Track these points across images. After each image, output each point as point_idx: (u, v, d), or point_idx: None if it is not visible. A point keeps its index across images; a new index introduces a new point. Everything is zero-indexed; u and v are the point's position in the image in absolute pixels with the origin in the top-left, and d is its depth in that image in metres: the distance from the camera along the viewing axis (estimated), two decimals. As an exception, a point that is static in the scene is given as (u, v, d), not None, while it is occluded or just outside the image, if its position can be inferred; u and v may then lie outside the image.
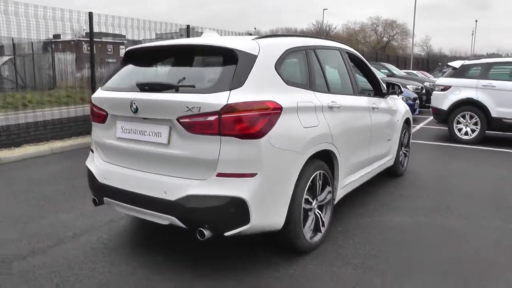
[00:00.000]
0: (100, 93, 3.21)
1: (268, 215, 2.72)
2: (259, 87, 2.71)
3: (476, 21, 76.92)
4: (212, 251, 3.17)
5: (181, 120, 2.64)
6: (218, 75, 2.74)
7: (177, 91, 2.71)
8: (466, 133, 7.77)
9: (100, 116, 3.15)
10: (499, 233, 3.58)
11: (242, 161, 2.57)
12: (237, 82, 2.62)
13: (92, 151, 3.34)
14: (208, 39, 3.07)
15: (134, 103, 2.80)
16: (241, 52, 2.74)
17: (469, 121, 7.73)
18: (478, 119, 7.58)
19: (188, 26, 10.22)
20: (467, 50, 64.44)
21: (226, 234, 2.64)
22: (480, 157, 6.72)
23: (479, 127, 7.60)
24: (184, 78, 2.87)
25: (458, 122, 7.81)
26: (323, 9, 63.36)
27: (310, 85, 3.26)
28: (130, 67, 3.29)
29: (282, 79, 2.93)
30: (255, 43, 2.88)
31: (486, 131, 7.65)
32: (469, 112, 7.66)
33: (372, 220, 3.83)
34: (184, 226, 2.69)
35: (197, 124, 2.60)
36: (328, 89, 3.49)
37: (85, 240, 3.38)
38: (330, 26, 60.37)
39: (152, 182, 2.79)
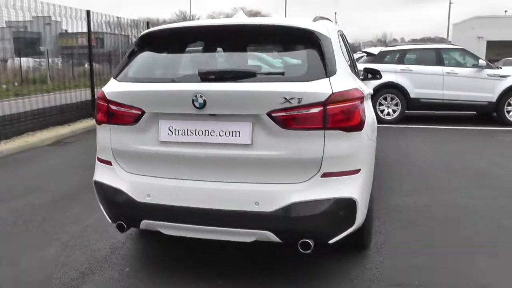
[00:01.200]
0: (122, 86, 2.43)
1: (364, 213, 2.46)
2: (344, 73, 2.40)
3: (336, 13, 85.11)
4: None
5: (274, 114, 2.16)
6: (303, 61, 2.35)
7: (267, 80, 2.20)
8: (388, 114, 8.57)
9: (127, 116, 2.40)
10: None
11: (348, 157, 2.25)
12: (330, 68, 2.26)
13: (106, 162, 2.53)
14: (271, 19, 2.56)
15: (200, 96, 2.18)
16: (321, 34, 2.38)
17: (390, 102, 8.52)
18: (398, 100, 8.42)
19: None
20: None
21: (331, 241, 2.31)
22: (407, 134, 7.49)
23: (399, 107, 8.47)
24: (258, 65, 2.36)
25: (380, 104, 8.54)
26: (190, -2, 62.65)
27: (354, 70, 3.06)
28: (157, 53, 2.59)
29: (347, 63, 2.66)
30: (321, 25, 2.53)
31: (406, 111, 8.55)
32: (390, 94, 8.45)
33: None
34: (278, 241, 2.24)
35: (297, 118, 2.16)
36: (357, 75, 3.33)
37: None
38: (194, 16, 59.98)
39: (234, 193, 2.24)
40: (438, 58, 8.63)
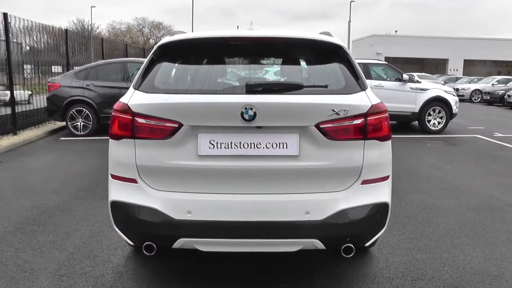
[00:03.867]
0: (154, 98, 2.36)
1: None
2: (369, 87, 2.64)
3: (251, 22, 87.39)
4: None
5: (322, 126, 2.31)
6: (338, 74, 2.51)
7: (312, 92, 2.33)
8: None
9: (160, 129, 2.33)
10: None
11: (381, 165, 2.49)
12: (362, 81, 2.50)
13: (128, 180, 2.42)
14: (293, 32, 2.68)
15: (251, 109, 2.23)
16: (346, 49, 2.59)
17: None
18: None
19: None
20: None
21: (367, 244, 2.52)
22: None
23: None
24: (295, 78, 2.46)
25: None
26: (91, 7, 58.62)
27: None
28: (184, 63, 2.58)
29: None
30: (340, 40, 2.75)
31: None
32: None
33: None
34: (323, 248, 2.38)
35: (343, 129, 2.34)
36: None
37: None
38: (93, 25, 56.83)
39: (284, 204, 2.32)
40: (365, 72, 9.56)
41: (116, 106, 2.47)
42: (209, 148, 2.32)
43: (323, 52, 2.64)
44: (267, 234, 2.33)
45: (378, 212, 2.45)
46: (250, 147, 2.31)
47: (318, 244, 2.35)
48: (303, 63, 2.75)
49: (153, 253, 2.40)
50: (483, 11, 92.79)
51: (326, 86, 2.43)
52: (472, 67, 44.38)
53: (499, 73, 35.94)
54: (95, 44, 16.06)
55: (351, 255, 2.41)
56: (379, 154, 2.45)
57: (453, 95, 9.85)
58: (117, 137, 2.44)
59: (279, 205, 2.33)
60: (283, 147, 2.32)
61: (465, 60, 44.41)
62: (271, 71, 2.71)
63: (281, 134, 2.32)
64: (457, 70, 43.34)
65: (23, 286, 2.71)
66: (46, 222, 3.83)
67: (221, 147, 2.31)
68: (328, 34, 2.81)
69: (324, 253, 2.69)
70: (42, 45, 10.77)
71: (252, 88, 2.30)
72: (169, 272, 2.92)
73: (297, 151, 2.33)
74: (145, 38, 62.16)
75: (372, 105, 2.38)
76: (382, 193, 2.47)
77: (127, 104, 2.38)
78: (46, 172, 5.75)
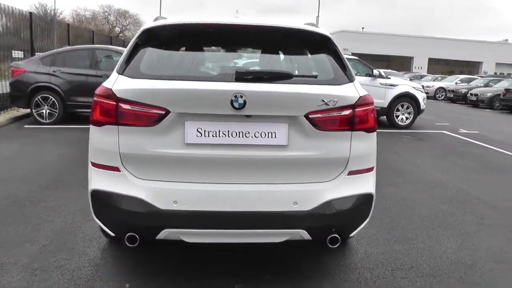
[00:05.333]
0: (140, 83, 2.27)
1: None
2: (356, 80, 2.65)
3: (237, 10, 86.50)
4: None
5: (311, 116, 2.30)
6: (327, 65, 2.51)
7: (302, 82, 2.31)
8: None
9: (146, 116, 2.25)
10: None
11: (367, 156, 2.52)
12: (350, 73, 2.51)
13: (110, 168, 2.32)
14: (282, 21, 2.63)
15: (241, 97, 2.19)
16: (332, 40, 2.59)
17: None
18: None
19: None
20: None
21: (352, 234, 2.55)
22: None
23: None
24: (284, 67, 2.43)
25: None
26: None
27: None
28: (170, 49, 2.52)
29: None
30: (324, 29, 2.74)
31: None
32: None
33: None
34: (309, 238, 2.38)
35: (331, 120, 2.34)
36: None
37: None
38: (56, 10, 54.48)
39: (272, 194, 2.31)
40: None
41: (98, 91, 2.36)
42: (196, 136, 2.26)
43: (312, 43, 2.62)
44: (255, 225, 2.31)
45: (363, 203, 2.48)
46: (239, 136, 2.28)
47: (304, 234, 2.35)
48: (291, 52, 2.72)
49: (135, 245, 2.33)
50: (448, 11, 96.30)
51: (315, 77, 2.42)
52: (436, 66, 46.01)
53: (461, 72, 37.43)
54: (59, 30, 15.42)
55: (337, 245, 2.43)
56: (365, 145, 2.47)
57: (421, 92, 10.15)
58: (99, 123, 2.34)
59: (267, 195, 2.30)
60: (271, 137, 2.30)
61: (429, 59, 45.99)
62: (259, 60, 2.67)
63: (270, 123, 2.29)
64: (421, 68, 44.80)
65: (-7, 281, 2.57)
66: (15, 213, 3.64)
67: (208, 136, 2.26)
68: (314, 25, 2.79)
69: (309, 244, 2.70)
70: (0, 28, 10.20)
71: (242, 76, 2.25)
72: (150, 264, 2.85)
73: (286, 141, 2.31)
74: (110, 26, 60.21)
75: (360, 97, 2.39)
76: (367, 184, 2.50)
77: (111, 89, 2.28)
78: (11, 161, 5.47)
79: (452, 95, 21.33)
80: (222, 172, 2.30)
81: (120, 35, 57.14)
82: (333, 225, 2.39)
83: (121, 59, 2.48)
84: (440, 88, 23.39)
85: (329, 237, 2.39)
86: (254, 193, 2.30)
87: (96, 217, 2.42)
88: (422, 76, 29.48)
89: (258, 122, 2.28)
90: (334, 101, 2.31)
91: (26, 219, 3.51)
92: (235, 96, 2.19)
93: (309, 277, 2.75)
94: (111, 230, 2.40)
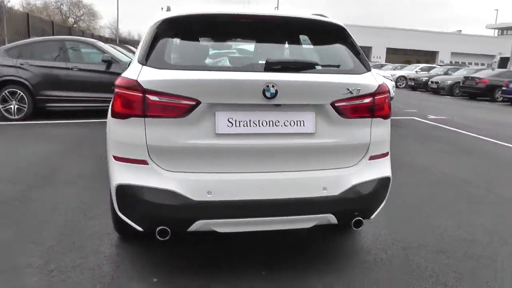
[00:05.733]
0: (169, 74, 2.24)
1: None
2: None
3: (162, 8, 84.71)
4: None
5: (337, 104, 2.37)
6: (345, 55, 2.57)
7: (327, 72, 2.37)
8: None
9: (175, 107, 2.23)
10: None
11: (383, 141, 2.63)
12: (367, 63, 2.59)
13: (137, 162, 2.29)
14: (300, 12, 2.66)
15: (273, 86, 2.22)
16: (347, 30, 2.66)
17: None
18: None
19: None
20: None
21: (372, 217, 2.65)
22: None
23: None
24: (308, 57, 2.49)
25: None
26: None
27: None
28: (194, 39, 2.52)
29: None
30: (338, 20, 2.81)
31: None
32: None
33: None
34: (335, 222, 2.47)
35: (354, 107, 2.43)
36: None
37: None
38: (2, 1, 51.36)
39: (303, 180, 2.37)
40: None
41: (120, 82, 2.31)
42: (228, 126, 2.27)
43: (329, 33, 2.67)
44: (286, 211, 2.36)
45: (383, 186, 2.59)
46: (269, 125, 2.31)
47: (332, 218, 2.43)
48: (310, 42, 2.77)
49: (167, 238, 2.31)
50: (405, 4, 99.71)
51: (338, 66, 2.48)
52: (393, 55, 47.60)
53: (418, 62, 38.96)
54: (15, 20, 14.60)
55: (361, 227, 2.53)
56: (382, 131, 2.57)
57: (390, 80, 10.52)
58: (122, 116, 2.29)
59: (297, 182, 2.36)
60: (300, 125, 2.35)
61: (387, 48, 47.52)
62: (282, 50, 2.70)
63: (299, 112, 2.34)
64: (380, 57, 46.24)
65: (7, 285, 2.47)
66: (8, 215, 3.47)
67: (239, 125, 2.28)
68: (322, 15, 2.85)
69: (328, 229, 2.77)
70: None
71: (271, 66, 2.28)
72: (172, 258, 2.82)
73: (313, 129, 2.37)
74: (63, 16, 57.57)
75: (379, 85, 2.48)
76: (385, 168, 2.61)
77: (136, 80, 2.23)
78: (-13, 160, 5.18)
79: (413, 83, 22.23)
80: (253, 161, 2.32)
81: (75, 25, 54.79)
82: (358, 208, 2.49)
83: (140, 49, 2.44)
84: (401, 76, 24.29)
85: (354, 220, 2.48)
86: (286, 181, 2.35)
87: (122, 213, 2.38)
88: (382, 65, 30.41)
89: (287, 111, 2.32)
90: (358, 89, 2.39)
91: (23, 220, 3.36)
92: (267, 86, 2.21)
93: (330, 260, 2.84)
94: (139, 225, 2.36)
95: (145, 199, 2.26)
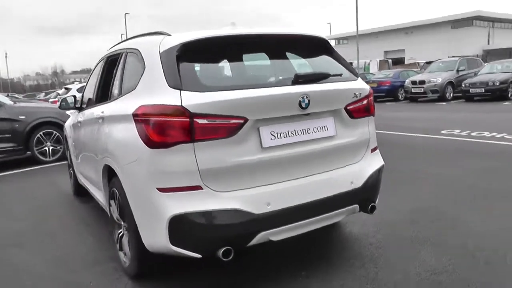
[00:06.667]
0: (214, 96, 2.32)
1: None
2: None
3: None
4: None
5: (348, 107, 2.79)
6: (336, 64, 2.97)
7: (334, 80, 2.76)
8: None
9: (224, 128, 2.33)
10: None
11: (374, 136, 3.13)
12: (354, 71, 3.05)
13: (190, 189, 2.31)
14: (292, 29, 2.98)
15: (307, 97, 2.52)
16: (329, 42, 3.11)
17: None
18: None
19: None
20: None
21: (376, 201, 3.12)
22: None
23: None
24: (310, 68, 2.82)
25: None
26: None
27: None
28: (216, 60, 2.72)
29: None
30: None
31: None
32: None
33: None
34: (358, 211, 2.86)
35: (358, 109, 2.88)
36: None
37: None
38: None
39: (336, 178, 2.71)
40: None
41: (161, 109, 2.28)
42: (271, 139, 2.45)
43: (323, 46, 3.03)
44: (326, 209, 2.63)
45: (380, 173, 3.07)
46: (303, 133, 2.57)
47: (356, 208, 2.80)
48: (310, 56, 3.09)
49: (230, 258, 2.34)
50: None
51: (341, 75, 2.89)
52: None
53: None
54: None
55: (374, 212, 2.95)
56: (373, 127, 3.08)
57: None
58: (166, 145, 2.27)
59: (330, 180, 2.67)
60: (324, 130, 2.68)
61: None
62: (290, 63, 2.99)
63: (322, 118, 2.68)
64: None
65: None
66: None
67: (281, 137, 2.49)
68: (233, 24, 3.15)
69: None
70: None
71: (297, 79, 2.56)
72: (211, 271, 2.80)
73: (334, 131, 2.73)
74: None
75: (369, 89, 2.98)
76: (379, 158, 3.12)
77: (181, 106, 2.24)
78: None
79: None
80: (295, 167, 2.56)
81: None
82: (372, 195, 2.92)
83: (162, 73, 2.42)
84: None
85: (370, 206, 2.89)
86: (322, 181, 2.63)
87: (175, 245, 2.32)
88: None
89: (314, 119, 2.63)
90: (360, 93, 2.85)
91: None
92: (303, 97, 2.49)
93: (354, 239, 3.18)
94: (197, 252, 2.34)
95: (207, 223, 2.28)
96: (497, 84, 15.00)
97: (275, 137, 2.47)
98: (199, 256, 2.36)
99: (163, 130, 2.26)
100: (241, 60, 2.87)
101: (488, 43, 48.00)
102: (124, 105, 2.74)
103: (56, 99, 18.19)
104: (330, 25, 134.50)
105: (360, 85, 2.91)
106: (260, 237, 2.41)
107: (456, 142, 7.34)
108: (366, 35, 40.63)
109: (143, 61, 2.69)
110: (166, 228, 2.29)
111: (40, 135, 7.80)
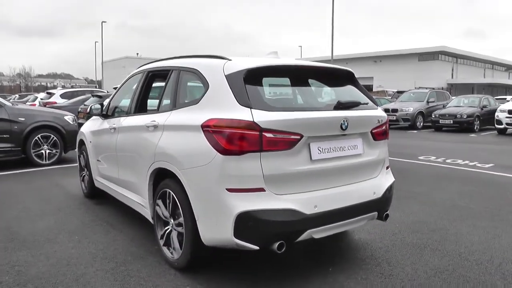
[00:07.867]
0: (280, 115, 2.88)
1: None
2: None
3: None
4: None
5: (373, 131, 3.43)
6: (360, 93, 3.61)
7: (364, 108, 3.40)
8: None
9: (285, 142, 2.90)
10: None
11: (387, 156, 3.77)
12: (374, 99, 3.71)
13: (255, 190, 2.83)
14: (330, 65, 3.62)
15: (346, 121, 3.12)
16: (354, 74, 3.77)
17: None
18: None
19: None
20: None
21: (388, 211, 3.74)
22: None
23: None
24: (341, 97, 3.44)
25: None
26: None
27: None
28: (277, 85, 3.18)
29: None
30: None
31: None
32: None
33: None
34: (375, 218, 3.46)
35: (380, 133, 3.53)
36: None
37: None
38: None
39: (363, 189, 3.30)
40: None
41: (236, 123, 2.77)
42: (318, 153, 3.03)
43: (349, 78, 3.67)
44: (355, 214, 3.22)
45: (393, 187, 3.70)
46: (341, 150, 3.17)
47: (375, 215, 3.40)
48: (342, 85, 3.71)
49: (283, 251, 2.85)
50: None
51: (367, 103, 3.53)
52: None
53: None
54: None
55: (387, 220, 3.57)
56: (386, 148, 3.72)
57: None
58: (237, 152, 2.78)
59: (359, 190, 3.27)
60: (355, 148, 3.29)
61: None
62: (328, 92, 3.62)
63: (354, 138, 3.29)
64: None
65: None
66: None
67: (324, 152, 3.07)
68: (276, 53, 3.82)
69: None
70: None
71: (339, 105, 3.18)
72: (250, 271, 3.28)
73: (362, 150, 3.34)
74: None
75: (387, 116, 3.64)
76: (391, 175, 3.75)
77: (253, 121, 2.77)
78: None
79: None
80: (335, 178, 3.14)
81: None
82: (387, 205, 3.53)
83: (230, 93, 2.92)
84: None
85: (384, 214, 3.50)
86: (354, 190, 3.23)
87: (238, 238, 2.79)
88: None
89: (348, 139, 3.23)
90: (381, 120, 3.49)
91: None
92: (343, 121, 3.09)
93: (372, 237, 3.77)
94: (256, 244, 2.81)
95: (267, 220, 2.79)
96: (465, 117, 16.50)
97: (321, 151, 3.04)
98: (257, 248, 2.85)
99: (237, 140, 2.77)
100: (294, 85, 3.48)
101: (452, 77, 51.38)
102: (186, 116, 3.22)
103: (35, 102, 18.04)
104: (301, 48, 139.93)
105: (381, 113, 3.55)
106: (306, 234, 2.93)
107: (435, 167, 8.22)
108: (337, 60, 42.62)
109: (206, 80, 3.20)
110: (233, 223, 2.76)
111: (38, 138, 8.01)
